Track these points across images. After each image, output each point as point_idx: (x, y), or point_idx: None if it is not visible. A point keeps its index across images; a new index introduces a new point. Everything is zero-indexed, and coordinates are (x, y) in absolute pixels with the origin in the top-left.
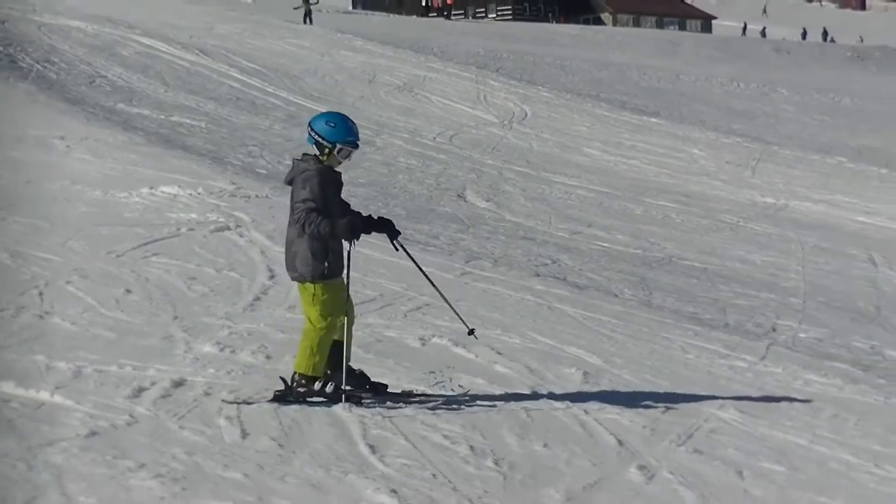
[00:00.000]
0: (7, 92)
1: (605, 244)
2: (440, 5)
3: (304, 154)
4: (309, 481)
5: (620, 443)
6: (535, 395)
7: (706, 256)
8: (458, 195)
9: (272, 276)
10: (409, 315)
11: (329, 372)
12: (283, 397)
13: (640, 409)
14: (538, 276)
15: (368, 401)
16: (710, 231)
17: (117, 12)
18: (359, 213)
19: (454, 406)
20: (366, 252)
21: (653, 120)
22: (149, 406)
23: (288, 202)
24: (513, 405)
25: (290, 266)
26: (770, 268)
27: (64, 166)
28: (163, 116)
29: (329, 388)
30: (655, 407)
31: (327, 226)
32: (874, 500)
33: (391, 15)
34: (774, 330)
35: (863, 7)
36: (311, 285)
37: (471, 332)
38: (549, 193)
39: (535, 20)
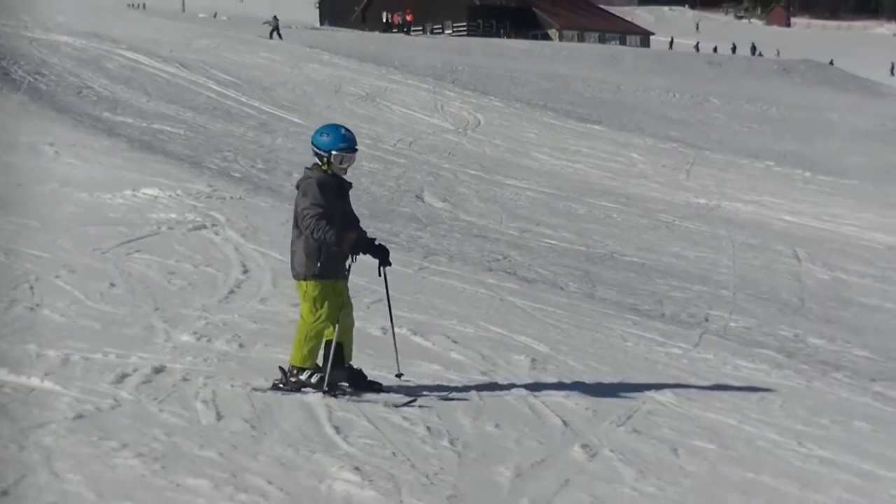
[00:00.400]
0: (1, 102)
1: (552, 241)
2: (400, 22)
3: (314, 164)
4: (279, 460)
5: (565, 424)
6: (487, 380)
7: (644, 252)
8: (417, 196)
9: (245, 271)
10: (371, 307)
11: (319, 365)
12: (279, 385)
13: (584, 393)
14: (490, 270)
15: (349, 395)
16: (648, 229)
17: (103, 28)
18: (364, 232)
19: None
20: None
21: (596, 127)
22: (131, 391)
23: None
24: (465, 388)
25: (291, 265)
26: (703, 263)
27: (53, 170)
28: (144, 124)
29: (314, 380)
30: (598, 391)
31: (334, 236)
32: (797, 475)
33: (355, 31)
34: (707, 320)
35: (787, 24)
36: (304, 282)
37: (398, 375)
38: (500, 195)
39: (488, 36)
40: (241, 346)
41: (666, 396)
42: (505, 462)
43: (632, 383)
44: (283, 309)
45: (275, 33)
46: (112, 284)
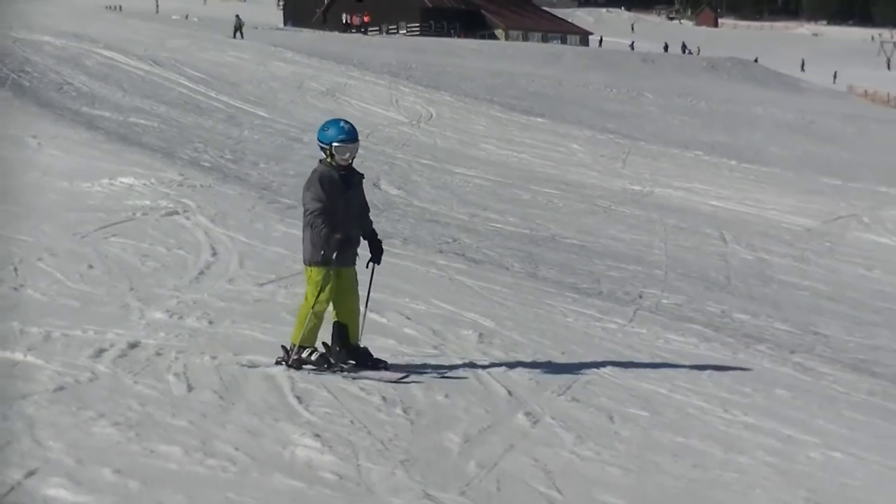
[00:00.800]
0: None
1: (499, 225)
2: (358, 23)
3: (321, 158)
4: (245, 428)
5: (510, 393)
6: (438, 353)
7: (583, 235)
8: (374, 184)
9: (214, 254)
10: None
11: (326, 344)
12: (281, 362)
13: (527, 365)
14: (441, 252)
15: (346, 371)
16: (586, 214)
17: (82, 29)
18: (374, 231)
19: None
20: (293, 232)
21: (539, 120)
22: (108, 364)
23: None
24: (417, 360)
25: (302, 252)
26: (637, 245)
27: (36, 161)
28: (121, 118)
29: (314, 357)
30: (540, 363)
31: (326, 237)
32: (722, 439)
33: (317, 31)
34: (641, 297)
35: (715, 24)
36: (308, 268)
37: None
38: (450, 182)
39: (440, 36)
40: (210, 322)
41: (603, 368)
42: (454, 429)
43: (571, 356)
44: (249, 288)
45: (238, 33)
46: (90, 266)
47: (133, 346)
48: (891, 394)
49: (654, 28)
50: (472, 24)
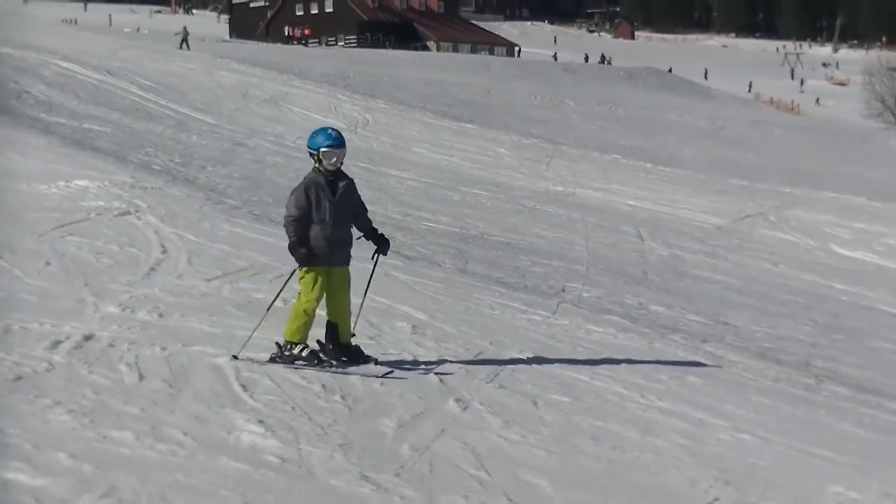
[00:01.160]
0: None
1: (431, 224)
2: (299, 36)
3: (313, 166)
4: (193, 414)
5: (441, 381)
6: (374, 344)
7: (510, 233)
8: None
9: (164, 251)
10: (273, 281)
11: (321, 342)
12: (275, 359)
13: (457, 354)
14: None
15: (334, 367)
16: (513, 213)
17: (39, 41)
18: (374, 229)
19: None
20: (238, 231)
21: (468, 126)
22: (64, 356)
23: None
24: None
25: None
26: (560, 242)
27: None
28: (76, 124)
29: (305, 353)
30: (469, 352)
31: (292, 245)
32: (639, 422)
33: (260, 43)
34: (563, 291)
35: (632, 37)
36: (298, 269)
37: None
38: (386, 184)
39: (375, 47)
40: (160, 315)
41: (528, 357)
42: (389, 414)
43: (499, 346)
44: (197, 284)
45: (184, 43)
46: (48, 263)
47: (88, 338)
48: (794, 380)
49: (575, 40)
50: (406, 37)
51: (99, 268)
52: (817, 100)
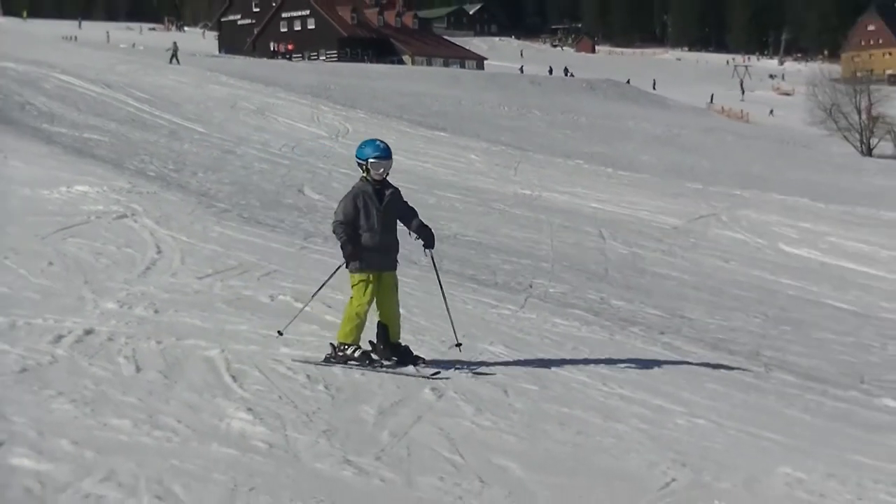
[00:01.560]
0: None
1: None
2: (284, 51)
3: (361, 175)
4: (187, 403)
5: (418, 371)
6: None
7: (481, 234)
8: (299, 190)
9: (159, 252)
10: (261, 279)
11: (373, 342)
12: (329, 359)
13: (432, 346)
14: None
15: (385, 367)
16: (484, 215)
17: (41, 56)
18: (422, 224)
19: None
20: (228, 232)
21: (441, 134)
22: (66, 349)
23: None
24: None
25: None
26: (528, 241)
27: (1, 172)
28: (76, 133)
29: (357, 353)
30: (443, 344)
31: (343, 245)
32: (602, 408)
33: (247, 58)
34: (531, 286)
35: (593, 51)
36: (350, 274)
37: (458, 345)
38: None
39: (355, 61)
40: (155, 311)
41: (498, 348)
42: (370, 402)
43: (471, 338)
44: (190, 282)
45: (174, 58)
46: (50, 263)
47: (88, 332)
48: (746, 369)
49: (540, 54)
50: (383, 51)
51: (98, 267)
52: (771, 111)
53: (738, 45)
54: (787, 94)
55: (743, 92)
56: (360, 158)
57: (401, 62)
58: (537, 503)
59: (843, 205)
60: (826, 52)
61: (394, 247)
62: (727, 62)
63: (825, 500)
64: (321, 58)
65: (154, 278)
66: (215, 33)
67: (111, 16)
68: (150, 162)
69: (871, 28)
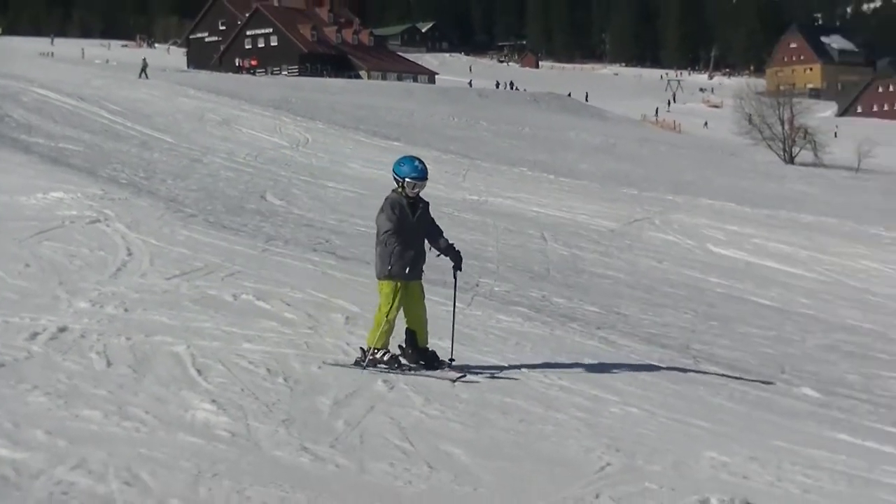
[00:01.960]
0: None
1: (363, 228)
2: (248, 66)
3: (394, 188)
4: (154, 395)
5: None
6: (312, 333)
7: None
8: (261, 196)
9: (130, 254)
10: (225, 279)
11: (402, 346)
12: (359, 363)
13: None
14: (315, 251)
15: (413, 370)
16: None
17: (20, 71)
18: (451, 245)
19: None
20: (195, 236)
21: (395, 143)
22: (41, 345)
23: None
24: (296, 339)
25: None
26: (475, 243)
27: None
28: (53, 144)
29: (386, 357)
30: (395, 340)
31: (399, 253)
32: (543, 399)
33: (214, 73)
34: (477, 285)
35: (536, 66)
36: (378, 281)
37: (451, 360)
38: (324, 195)
39: (315, 76)
40: (126, 310)
41: (446, 343)
42: (326, 394)
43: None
44: (158, 282)
45: (143, 73)
46: (27, 265)
47: (62, 330)
48: (676, 361)
49: (488, 69)
50: (341, 67)
51: (72, 269)
52: (706, 123)
53: (671, 61)
54: (716, 107)
55: (668, 104)
56: (397, 175)
57: (358, 77)
58: (481, 487)
59: (767, 209)
60: (752, 68)
61: (422, 257)
62: (660, 77)
63: (747, 481)
64: (283, 73)
65: (124, 279)
66: (183, 50)
67: (85, 33)
68: (122, 170)
69: (793, 45)
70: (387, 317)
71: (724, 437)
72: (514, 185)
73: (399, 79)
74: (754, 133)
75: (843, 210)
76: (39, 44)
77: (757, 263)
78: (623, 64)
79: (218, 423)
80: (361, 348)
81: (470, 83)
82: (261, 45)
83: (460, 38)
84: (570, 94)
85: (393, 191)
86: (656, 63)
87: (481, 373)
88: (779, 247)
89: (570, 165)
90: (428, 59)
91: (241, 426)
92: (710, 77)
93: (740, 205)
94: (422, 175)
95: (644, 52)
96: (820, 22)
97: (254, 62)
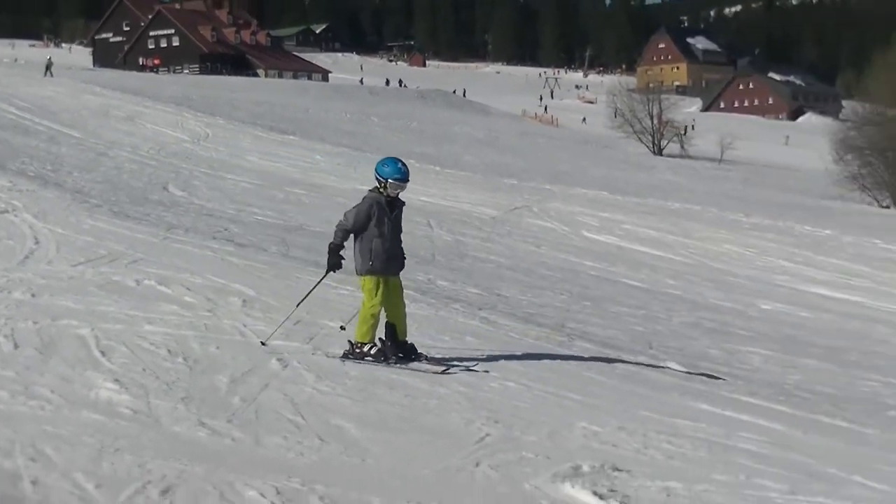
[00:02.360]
0: None
1: (259, 217)
2: (151, 65)
3: (374, 186)
4: (60, 376)
5: (264, 344)
6: (211, 315)
7: (325, 224)
8: (164, 188)
9: (37, 243)
10: (128, 266)
11: (382, 339)
12: (347, 356)
13: (279, 323)
14: (215, 238)
15: (399, 363)
16: (327, 208)
17: None
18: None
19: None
20: (99, 225)
21: (291, 137)
22: None
23: None
24: (195, 321)
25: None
26: None
27: None
28: None
29: (372, 351)
30: (289, 320)
31: (332, 247)
32: (424, 374)
33: (119, 71)
34: None
35: (424, 65)
36: (359, 277)
37: (342, 328)
38: (223, 186)
39: (215, 74)
40: (33, 295)
41: (337, 324)
42: (223, 372)
43: (314, 315)
44: (64, 269)
45: (48, 71)
46: None
47: None
48: (552, 339)
49: (378, 68)
50: (240, 66)
51: None
52: (584, 118)
53: (549, 60)
54: (591, 103)
55: (541, 99)
56: (380, 176)
57: (255, 75)
58: (370, 458)
59: (637, 197)
60: (623, 66)
61: (400, 254)
62: (539, 75)
63: (616, 449)
64: (185, 71)
65: (32, 266)
66: (89, 49)
67: None
68: (30, 163)
69: (661, 46)
70: (370, 311)
71: (595, 408)
72: None
73: (295, 77)
74: (626, 127)
75: (707, 198)
76: None
77: (627, 248)
78: (504, 62)
79: (120, 402)
80: (350, 342)
81: (361, 81)
82: (163, 45)
83: (352, 38)
84: (454, 91)
85: (371, 190)
86: (535, 62)
87: (456, 365)
88: (648, 232)
89: (455, 157)
90: (322, 59)
91: (142, 404)
92: (586, 75)
93: (613, 193)
94: (404, 177)
95: (524, 52)
96: (686, 24)
97: (157, 61)
